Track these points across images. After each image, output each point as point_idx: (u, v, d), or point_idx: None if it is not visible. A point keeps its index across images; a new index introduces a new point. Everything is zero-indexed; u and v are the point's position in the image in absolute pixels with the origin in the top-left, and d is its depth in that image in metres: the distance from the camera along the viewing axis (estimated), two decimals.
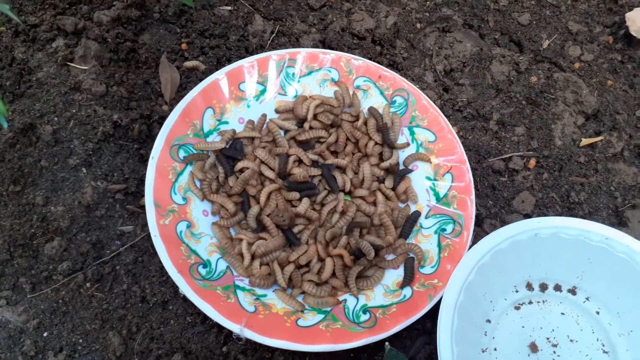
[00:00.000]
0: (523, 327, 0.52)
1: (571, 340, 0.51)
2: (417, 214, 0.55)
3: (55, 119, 0.60)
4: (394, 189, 0.57)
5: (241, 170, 0.56)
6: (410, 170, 0.58)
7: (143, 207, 0.56)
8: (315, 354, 0.50)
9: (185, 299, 0.53)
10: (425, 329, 0.50)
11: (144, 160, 0.60)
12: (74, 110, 0.61)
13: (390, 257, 0.54)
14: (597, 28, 0.74)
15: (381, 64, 0.66)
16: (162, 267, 0.54)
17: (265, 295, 0.50)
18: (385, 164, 0.58)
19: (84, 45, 0.65)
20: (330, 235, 0.54)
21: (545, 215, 0.53)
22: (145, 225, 0.56)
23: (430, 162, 0.58)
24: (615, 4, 0.77)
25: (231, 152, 0.56)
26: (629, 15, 0.71)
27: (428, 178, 0.58)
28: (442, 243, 0.53)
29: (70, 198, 0.56)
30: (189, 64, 0.67)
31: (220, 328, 0.51)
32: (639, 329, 0.50)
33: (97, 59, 0.64)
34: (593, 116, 0.64)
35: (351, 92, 0.62)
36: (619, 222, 0.57)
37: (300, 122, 0.61)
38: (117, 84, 0.64)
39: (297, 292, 0.51)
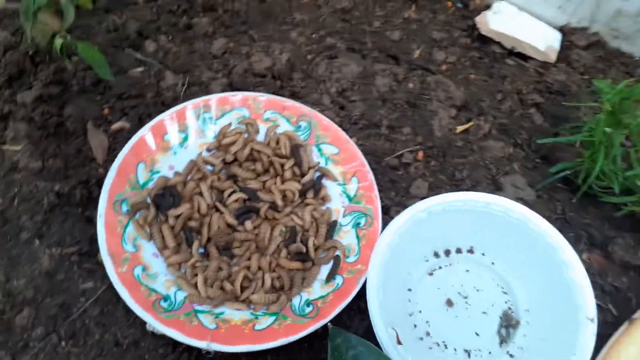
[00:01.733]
0: (438, 288, 0.63)
1: (477, 290, 0.63)
2: (334, 223, 0.66)
3: (0, 200, 0.65)
4: (315, 197, 0.68)
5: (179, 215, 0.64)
6: (322, 176, 0.69)
7: (99, 262, 0.63)
8: (275, 350, 0.59)
9: (153, 334, 0.60)
10: (360, 308, 0.60)
11: (90, 221, 0.67)
12: (16, 189, 0.66)
13: (321, 255, 0.64)
14: (456, 33, 0.89)
15: (283, 96, 0.76)
16: (127, 312, 0.60)
17: (222, 313, 0.59)
18: (305, 179, 0.68)
19: (13, 128, 0.71)
20: (271, 250, 0.63)
21: (438, 194, 0.65)
22: (103, 278, 0.63)
23: (336, 181, 0.69)
24: (467, 10, 0.92)
25: (161, 200, 0.64)
26: (478, 19, 0.87)
27: (339, 184, 0.69)
28: (360, 234, 0.64)
29: (29, 270, 0.62)
30: (114, 126, 0.74)
31: (190, 351, 0.59)
32: (525, 270, 0.63)
33: (28, 138, 0.71)
34: (463, 107, 0.78)
35: (260, 125, 0.72)
36: (497, 188, 0.70)
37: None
38: (51, 157, 0.70)
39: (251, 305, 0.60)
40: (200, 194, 0.65)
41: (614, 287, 0.64)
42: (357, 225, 0.65)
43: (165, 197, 0.65)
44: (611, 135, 0.64)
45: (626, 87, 0.64)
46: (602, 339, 0.56)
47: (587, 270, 0.62)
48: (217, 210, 0.65)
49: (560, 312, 0.58)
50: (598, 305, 0.61)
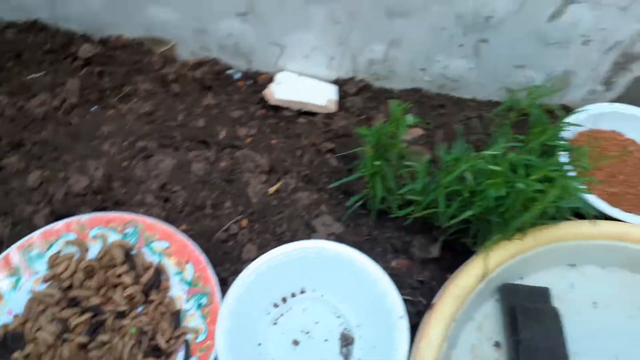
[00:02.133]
0: (283, 333, 0.73)
1: (316, 323, 0.74)
2: (179, 311, 0.73)
3: None
4: (157, 293, 0.74)
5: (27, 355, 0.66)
6: (159, 271, 0.76)
7: None
8: None
9: None
10: None
11: None
12: None
13: (173, 344, 0.70)
14: (252, 108, 1.02)
15: (107, 208, 0.82)
16: None
17: None
18: (143, 279, 0.74)
19: None
20: (126, 356, 0.68)
21: (266, 252, 0.75)
22: None
23: (168, 283, 0.76)
24: (257, 86, 1.06)
25: (4, 349, 0.66)
26: (264, 93, 1.01)
27: (176, 274, 0.76)
28: (204, 313, 0.71)
29: None
30: None
31: None
32: (348, 293, 0.74)
33: None
34: (270, 170, 0.90)
35: (90, 243, 0.77)
36: (312, 231, 0.82)
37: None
38: None
39: None
40: (42, 328, 0.68)
41: (419, 281, 0.78)
42: (200, 306, 0.72)
43: (7, 343, 0.66)
44: (381, 167, 0.79)
45: (380, 126, 0.79)
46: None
47: (397, 273, 0.77)
48: (65, 339, 0.68)
49: (380, 319, 0.71)
50: (410, 301, 0.76)
